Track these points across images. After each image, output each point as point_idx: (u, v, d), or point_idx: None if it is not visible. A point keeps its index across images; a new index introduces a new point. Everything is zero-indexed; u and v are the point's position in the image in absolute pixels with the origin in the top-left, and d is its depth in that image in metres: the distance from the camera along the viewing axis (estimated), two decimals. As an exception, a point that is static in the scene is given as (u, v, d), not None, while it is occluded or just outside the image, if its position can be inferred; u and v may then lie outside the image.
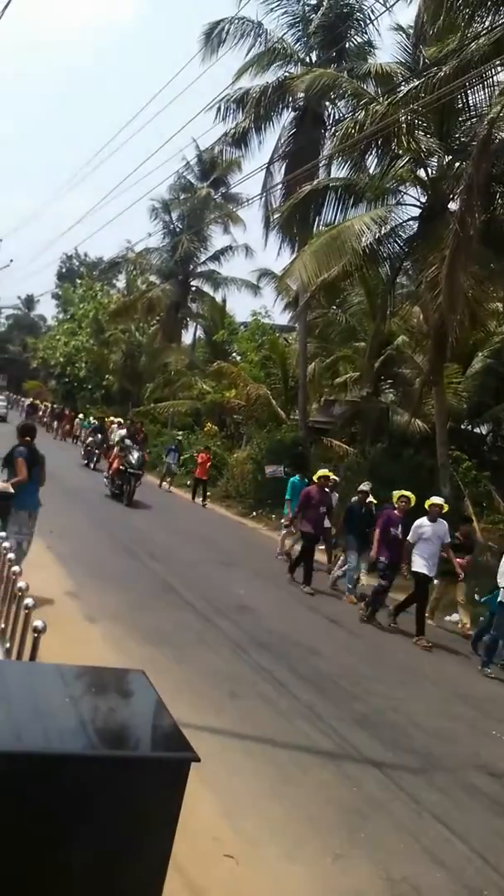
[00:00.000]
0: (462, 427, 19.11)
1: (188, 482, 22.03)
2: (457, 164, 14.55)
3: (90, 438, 24.46)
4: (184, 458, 23.10)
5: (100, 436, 24.00)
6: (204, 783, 4.12)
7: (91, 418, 33.07)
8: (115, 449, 17.60)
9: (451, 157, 14.86)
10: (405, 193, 15.73)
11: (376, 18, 19.45)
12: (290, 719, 5.89)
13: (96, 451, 23.61)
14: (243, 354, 29.52)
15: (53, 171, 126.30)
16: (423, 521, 9.66)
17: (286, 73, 19.75)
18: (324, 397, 24.61)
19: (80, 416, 34.95)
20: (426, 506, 9.80)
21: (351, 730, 5.89)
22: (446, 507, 9.96)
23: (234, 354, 31.26)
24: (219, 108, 20.09)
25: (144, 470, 17.52)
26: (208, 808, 4.18)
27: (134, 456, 16.47)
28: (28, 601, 4.07)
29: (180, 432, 26.98)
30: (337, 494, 12.43)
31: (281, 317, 30.08)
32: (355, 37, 20.26)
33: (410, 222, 15.48)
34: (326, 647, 8.25)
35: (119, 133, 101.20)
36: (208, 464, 19.86)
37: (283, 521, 13.38)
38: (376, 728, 6.08)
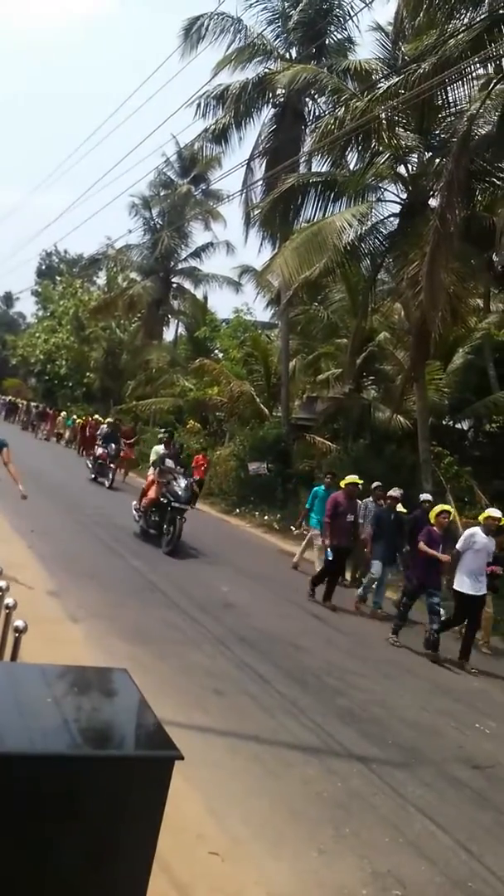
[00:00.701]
0: (443, 423, 19.23)
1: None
2: (437, 161, 14.62)
3: (101, 450, 20.18)
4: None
5: (114, 446, 20.21)
6: (188, 781, 4.11)
7: (74, 416, 32.65)
8: (151, 471, 13.32)
9: (430, 153, 14.94)
10: (385, 190, 15.80)
11: (356, 15, 19.51)
12: (274, 715, 5.89)
13: (111, 466, 19.71)
14: (225, 351, 29.50)
15: (32, 167, 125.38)
16: (477, 530, 8.80)
17: (266, 70, 19.75)
18: (306, 394, 24.65)
19: (63, 414, 34.64)
20: (480, 519, 9.01)
21: (335, 725, 5.90)
22: (503, 521, 9.09)
23: (216, 351, 31.22)
24: (198, 105, 20.06)
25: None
26: (192, 805, 4.17)
27: (181, 485, 12.23)
28: (9, 601, 4.04)
29: (162, 430, 26.87)
30: (360, 502, 11.34)
31: (263, 313, 30.15)
32: (335, 33, 20.31)
33: (391, 219, 15.56)
34: (310, 643, 8.26)
35: (98, 129, 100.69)
36: (205, 466, 19.38)
37: (308, 532, 12.27)
38: (360, 723, 6.10)
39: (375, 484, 11.47)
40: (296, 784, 4.81)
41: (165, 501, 12.06)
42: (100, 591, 8.65)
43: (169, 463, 12.84)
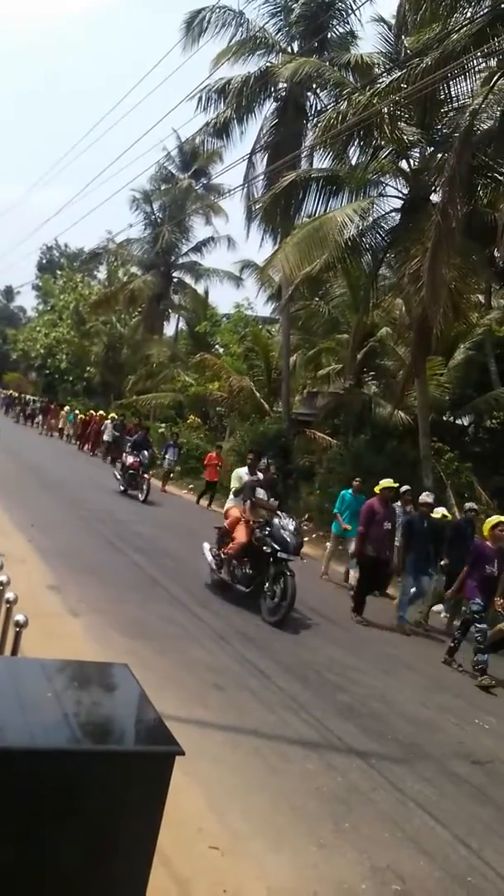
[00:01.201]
0: (444, 418, 19.22)
1: (191, 485, 21.11)
2: (439, 156, 14.58)
3: (131, 458, 17.55)
4: (184, 453, 22.07)
5: (146, 453, 17.72)
6: (188, 775, 4.11)
7: (76, 411, 32.22)
8: (231, 502, 10.07)
9: (432, 148, 14.89)
10: (387, 185, 15.77)
11: (358, 8, 19.43)
12: (275, 710, 5.89)
13: (146, 477, 17.07)
14: (226, 346, 29.48)
15: (33, 162, 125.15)
16: None
17: (268, 63, 19.68)
18: (307, 389, 24.64)
19: (66, 409, 34.17)
20: None
21: (335, 720, 5.91)
22: None
23: (216, 346, 31.20)
24: (200, 98, 20.00)
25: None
26: (192, 799, 4.18)
27: (288, 527, 8.96)
28: (9, 595, 4.04)
29: (162, 425, 26.88)
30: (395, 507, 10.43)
31: (263, 308, 30.13)
32: (337, 27, 20.22)
33: (393, 214, 15.52)
34: (310, 639, 8.27)
35: (99, 123, 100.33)
36: (219, 465, 18.36)
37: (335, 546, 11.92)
38: (360, 718, 6.11)
39: (405, 488, 10.85)
40: (296, 779, 4.81)
41: (268, 550, 8.82)
42: (100, 586, 8.65)
43: (260, 494, 9.48)
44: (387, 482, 9.82)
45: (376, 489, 9.80)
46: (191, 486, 21.36)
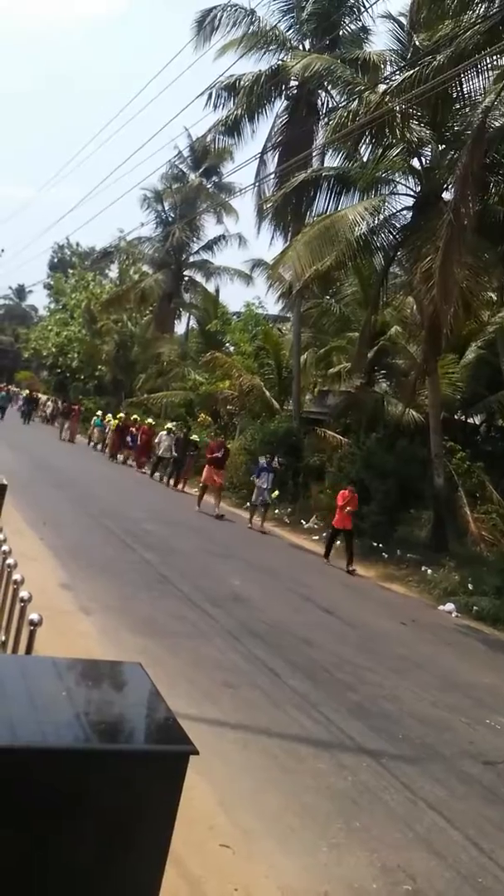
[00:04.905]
0: (456, 417, 19.14)
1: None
2: (450, 154, 14.51)
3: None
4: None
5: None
6: (199, 773, 4.12)
7: (109, 417, 27.37)
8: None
9: (444, 146, 14.82)
10: (398, 183, 15.70)
11: (371, 6, 19.37)
12: (285, 709, 5.90)
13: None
14: (236, 345, 29.45)
15: (45, 160, 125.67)
16: None
17: (279, 61, 19.65)
18: (318, 388, 24.59)
19: (99, 413, 29.50)
20: None
21: (345, 719, 5.91)
22: None
23: (227, 345, 31.17)
24: (210, 96, 20.01)
25: None
26: (204, 798, 4.19)
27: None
28: (24, 594, 4.07)
29: (173, 423, 26.86)
30: None
31: (274, 307, 30.04)
32: (349, 25, 20.16)
33: (404, 212, 15.46)
34: (321, 637, 8.27)
35: (111, 122, 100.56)
36: (354, 507, 13.23)
37: None
38: (371, 717, 6.11)
39: None
40: (306, 778, 4.82)
41: None
42: (112, 584, 8.69)
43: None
44: None
45: None
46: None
